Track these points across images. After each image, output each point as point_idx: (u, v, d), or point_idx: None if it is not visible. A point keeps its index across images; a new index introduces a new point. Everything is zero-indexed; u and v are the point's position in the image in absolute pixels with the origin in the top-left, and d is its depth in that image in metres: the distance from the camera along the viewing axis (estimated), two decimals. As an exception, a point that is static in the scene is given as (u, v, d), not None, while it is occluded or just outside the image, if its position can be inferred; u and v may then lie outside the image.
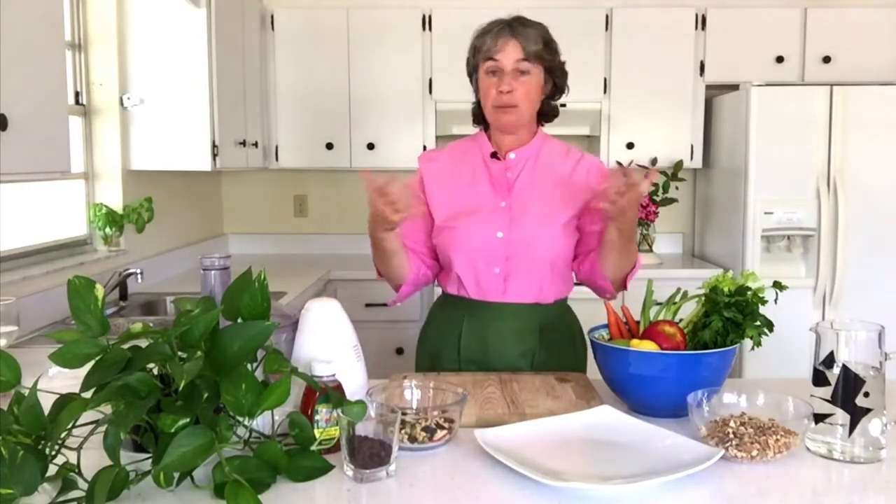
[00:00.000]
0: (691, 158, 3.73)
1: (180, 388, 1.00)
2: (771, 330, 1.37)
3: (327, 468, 1.11)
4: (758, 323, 1.36)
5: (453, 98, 3.54)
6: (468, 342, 1.79)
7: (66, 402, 1.00)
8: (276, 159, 3.74)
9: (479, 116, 1.85)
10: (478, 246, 1.75)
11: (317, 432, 1.16)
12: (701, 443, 1.19)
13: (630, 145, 3.70)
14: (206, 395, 1.04)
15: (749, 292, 1.38)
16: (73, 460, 1.02)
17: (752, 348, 1.35)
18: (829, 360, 1.21)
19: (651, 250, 3.76)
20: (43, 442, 0.99)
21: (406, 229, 1.83)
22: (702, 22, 3.65)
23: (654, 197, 3.69)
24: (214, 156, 2.96)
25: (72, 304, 1.07)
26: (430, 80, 3.65)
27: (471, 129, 1.91)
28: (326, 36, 3.65)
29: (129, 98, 2.88)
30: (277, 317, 1.18)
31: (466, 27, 1.81)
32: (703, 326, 1.40)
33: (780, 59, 3.64)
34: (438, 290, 1.93)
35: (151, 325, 1.10)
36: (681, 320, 1.47)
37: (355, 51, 3.65)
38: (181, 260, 3.43)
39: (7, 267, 2.28)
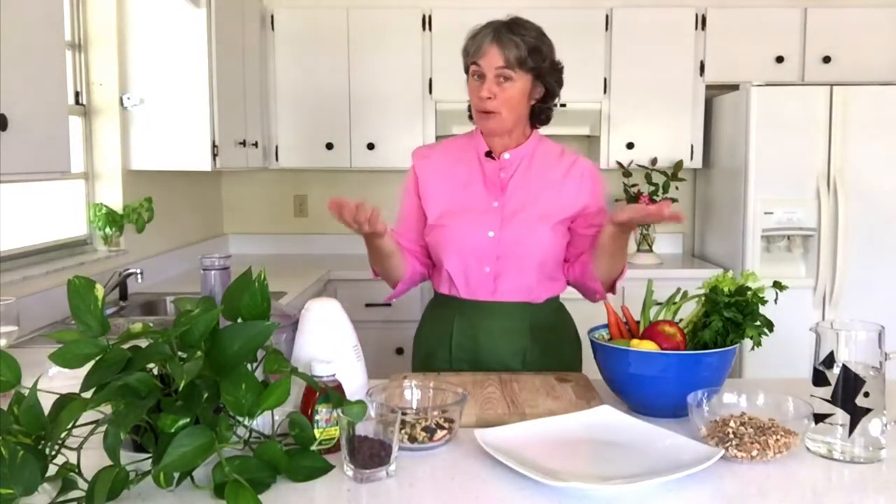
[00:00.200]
0: (691, 158, 3.73)
1: (180, 388, 1.00)
2: (771, 330, 1.37)
3: (327, 468, 1.11)
4: (758, 323, 1.36)
5: (453, 98, 3.53)
6: (459, 341, 1.80)
7: (66, 402, 1.00)
8: (276, 159, 3.74)
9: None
10: (469, 245, 1.76)
11: (317, 432, 1.16)
12: (701, 443, 1.19)
13: (630, 145, 3.70)
14: (206, 395, 1.04)
15: (749, 292, 1.38)
16: (73, 460, 1.02)
17: (752, 348, 1.35)
18: (829, 360, 1.21)
19: (651, 250, 3.76)
20: (43, 442, 0.99)
21: (400, 228, 1.85)
22: (702, 22, 3.65)
23: (655, 197, 3.69)
24: (214, 156, 2.96)
25: (72, 304, 1.07)
26: (430, 80, 3.65)
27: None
28: (326, 36, 3.65)
29: (129, 98, 2.88)
30: (277, 317, 1.18)
31: (466, 27, 1.81)
32: (703, 326, 1.40)
33: (780, 59, 3.64)
34: (436, 291, 1.94)
35: (151, 325, 1.10)
36: (681, 320, 1.47)
37: (355, 51, 3.65)
38: (181, 260, 3.43)
39: (7, 267, 2.28)
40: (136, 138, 2.92)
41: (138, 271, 2.68)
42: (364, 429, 1.08)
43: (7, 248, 2.34)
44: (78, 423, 1.01)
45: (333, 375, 1.20)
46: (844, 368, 1.19)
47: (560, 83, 1.80)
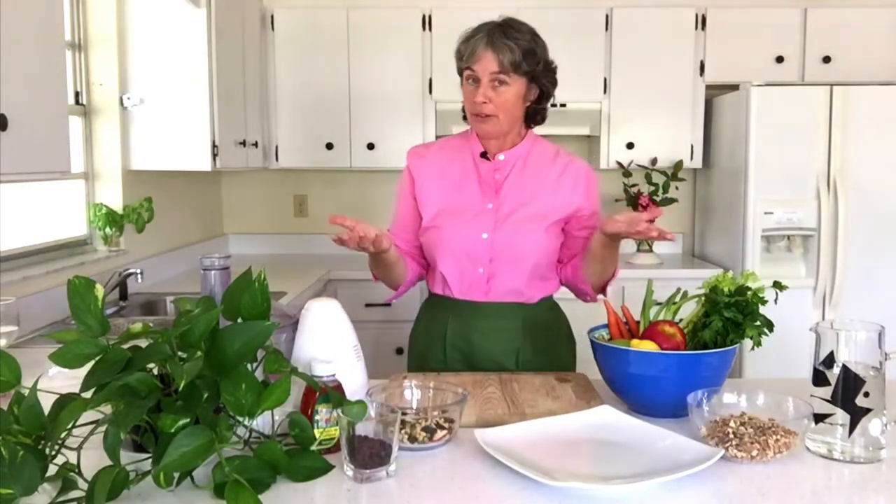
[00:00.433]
0: (691, 158, 3.73)
1: (180, 388, 1.00)
2: (771, 330, 1.37)
3: (327, 468, 1.11)
4: (758, 323, 1.36)
5: (453, 98, 3.48)
6: (453, 341, 1.81)
7: (66, 402, 1.00)
8: (276, 159, 3.74)
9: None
10: (462, 246, 1.76)
11: (317, 432, 1.16)
12: (701, 443, 1.19)
13: (630, 145, 3.70)
14: (206, 395, 1.04)
15: (749, 292, 1.38)
16: (73, 460, 1.02)
17: (752, 348, 1.35)
18: (829, 360, 1.21)
19: (651, 250, 3.76)
20: (43, 442, 0.99)
21: (396, 229, 1.86)
22: (702, 22, 3.65)
23: (654, 197, 3.69)
24: (214, 156, 2.96)
25: (72, 304, 1.07)
26: (430, 80, 3.65)
27: (471, 130, 1.91)
28: (326, 36, 3.65)
29: (129, 98, 2.88)
30: (277, 317, 1.18)
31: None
32: (703, 326, 1.40)
33: (780, 59, 3.64)
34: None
35: (151, 325, 1.10)
36: (681, 320, 1.47)
37: (355, 51, 3.65)
38: (181, 260, 3.43)
39: (7, 267, 2.28)
40: (136, 138, 2.92)
41: (138, 271, 2.68)
42: (364, 429, 1.08)
43: (7, 248, 2.33)
44: (78, 423, 1.01)
45: (333, 375, 1.21)
46: (844, 368, 1.19)
47: (554, 83, 1.80)
